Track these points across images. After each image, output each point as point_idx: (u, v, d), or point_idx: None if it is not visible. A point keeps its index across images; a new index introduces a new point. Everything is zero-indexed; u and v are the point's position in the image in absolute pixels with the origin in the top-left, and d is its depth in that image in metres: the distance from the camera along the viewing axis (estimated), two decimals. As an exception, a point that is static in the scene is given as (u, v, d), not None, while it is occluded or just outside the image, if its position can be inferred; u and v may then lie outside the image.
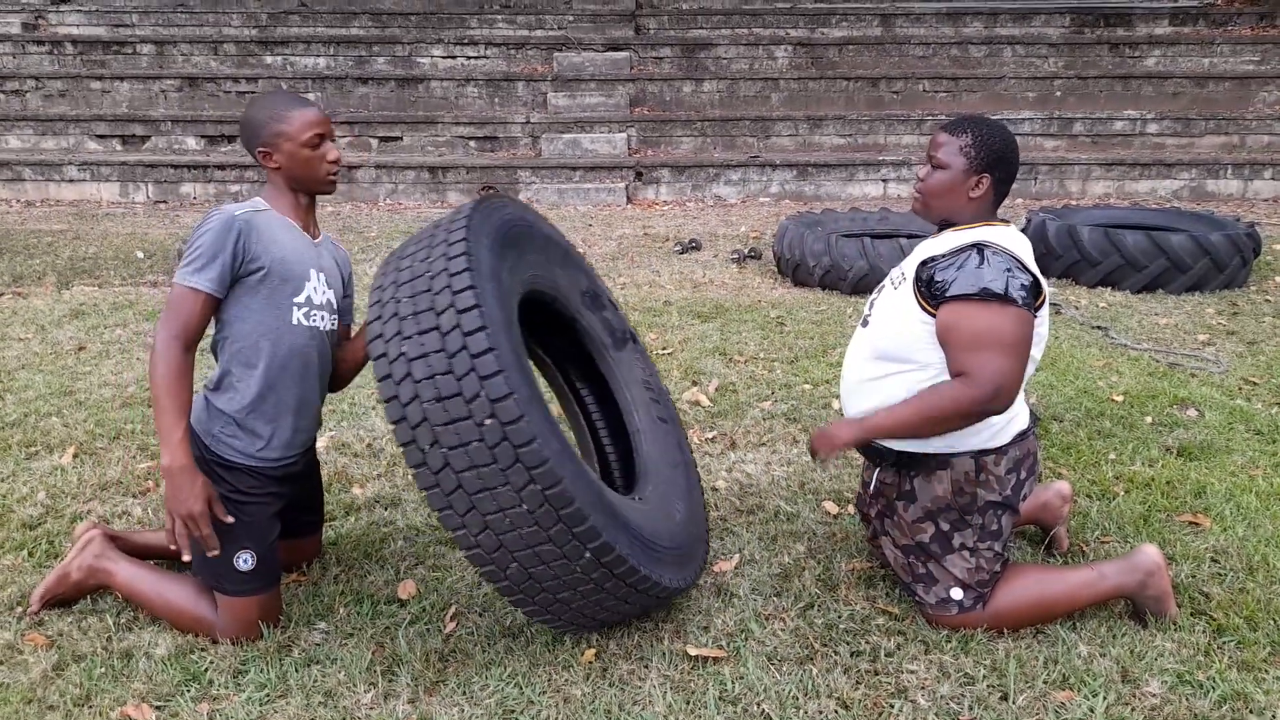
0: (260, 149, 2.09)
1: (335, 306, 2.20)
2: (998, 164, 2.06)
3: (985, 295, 1.91)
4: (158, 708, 1.90)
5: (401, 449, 1.78)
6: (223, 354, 2.09)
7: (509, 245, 2.10)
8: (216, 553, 2.01)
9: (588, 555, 1.83)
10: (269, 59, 10.46)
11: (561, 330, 2.54)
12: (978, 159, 2.04)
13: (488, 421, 1.71)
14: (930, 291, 1.99)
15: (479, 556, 1.82)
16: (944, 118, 9.60)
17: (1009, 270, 1.92)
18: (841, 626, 2.16)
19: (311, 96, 10.04)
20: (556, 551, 1.81)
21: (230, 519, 2.03)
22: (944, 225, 2.12)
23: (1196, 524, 2.63)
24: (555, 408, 3.11)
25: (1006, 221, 2.11)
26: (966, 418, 1.94)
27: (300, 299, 2.09)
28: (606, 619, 2.05)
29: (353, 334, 2.36)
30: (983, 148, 2.04)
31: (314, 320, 2.12)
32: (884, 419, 2.02)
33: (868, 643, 2.10)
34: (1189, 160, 9.02)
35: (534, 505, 1.76)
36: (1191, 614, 2.19)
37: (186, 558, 2.02)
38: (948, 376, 2.00)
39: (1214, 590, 2.28)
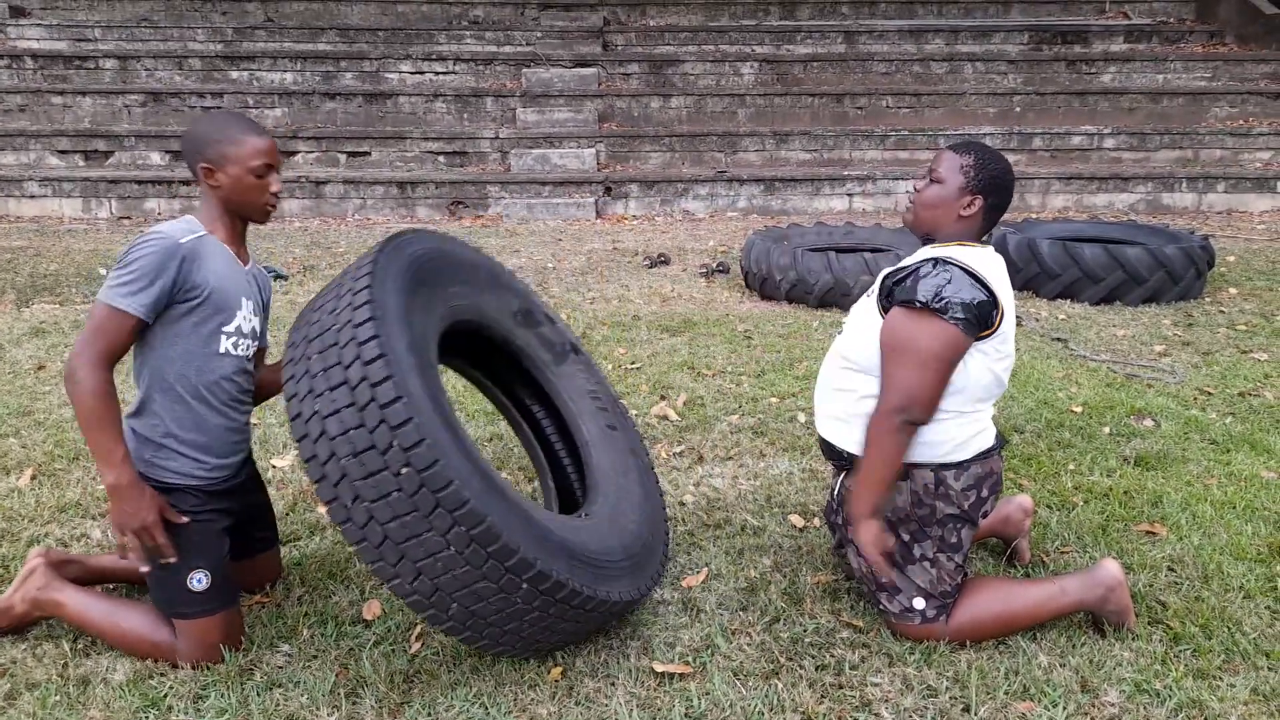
0: (204, 165, 2.03)
1: (259, 332, 2.20)
2: (993, 190, 2.09)
3: (914, 305, 1.97)
4: (115, 735, 1.87)
5: (325, 508, 1.79)
6: (143, 379, 2.05)
7: (421, 282, 2.09)
8: (175, 559, 1.99)
9: (525, 586, 1.83)
10: (235, 74, 10.38)
11: (498, 352, 2.55)
12: (975, 180, 2.08)
13: (403, 470, 1.71)
14: (888, 301, 2.05)
15: (418, 603, 1.82)
16: (906, 132, 9.75)
17: (948, 284, 1.96)
18: (807, 640, 2.18)
19: (279, 112, 9.98)
20: (493, 587, 1.81)
21: (184, 519, 2.02)
22: (926, 240, 2.17)
23: (1153, 533, 2.68)
24: (506, 429, 3.12)
25: (985, 243, 2.15)
26: (897, 433, 1.98)
27: (230, 328, 2.07)
28: (564, 640, 2.05)
29: (268, 360, 2.35)
30: (982, 170, 2.09)
31: (240, 349, 2.11)
32: (859, 483, 2.03)
33: (832, 656, 2.11)
34: (1145, 174, 9.23)
35: (461, 546, 1.75)
36: (1149, 623, 2.23)
37: (144, 569, 2.01)
38: None
39: (1170, 599, 2.32)
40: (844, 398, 2.18)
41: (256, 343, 2.18)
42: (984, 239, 2.17)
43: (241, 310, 2.08)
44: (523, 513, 1.89)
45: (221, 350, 2.06)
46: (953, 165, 2.10)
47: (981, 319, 1.98)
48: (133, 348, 2.02)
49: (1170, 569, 2.48)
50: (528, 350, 2.55)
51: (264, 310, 2.25)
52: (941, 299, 1.94)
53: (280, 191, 2.12)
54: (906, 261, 2.11)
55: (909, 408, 1.96)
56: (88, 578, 2.27)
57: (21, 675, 2.05)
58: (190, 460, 2.06)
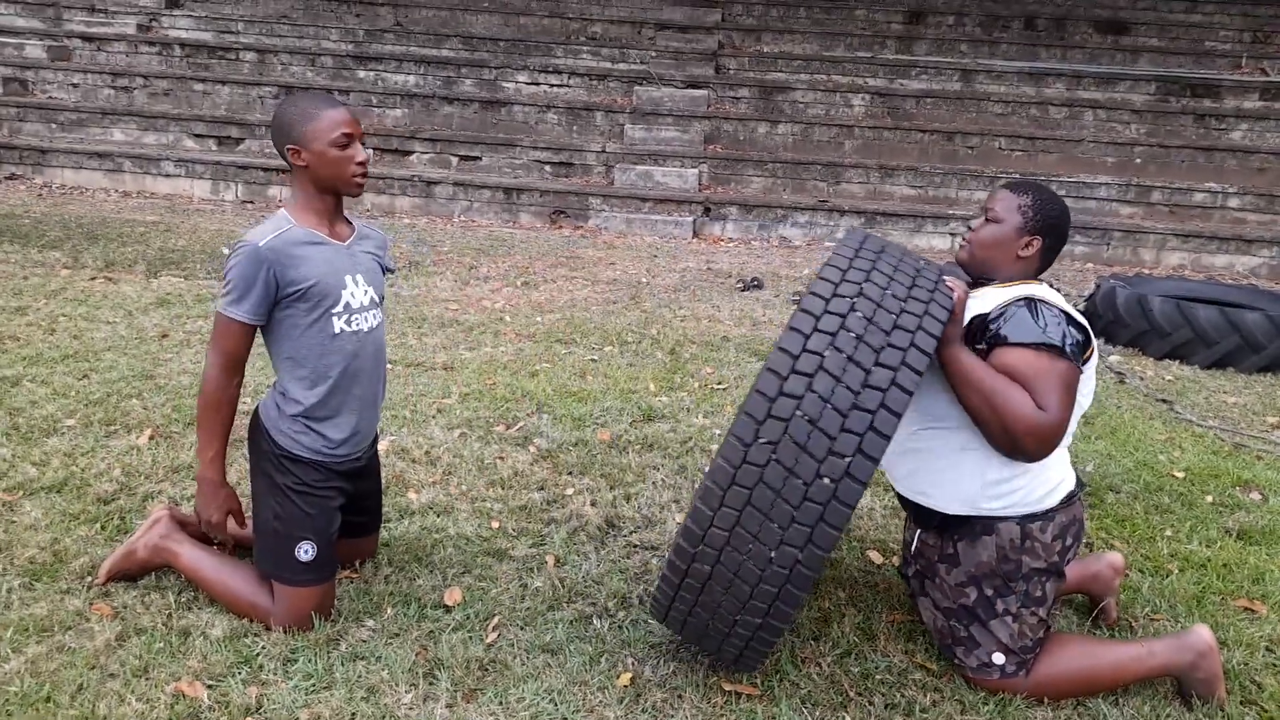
0: (289, 146, 2.09)
1: (379, 300, 2.25)
2: (1051, 230, 2.10)
3: (1044, 346, 1.93)
4: (210, 686, 1.98)
5: (743, 414, 1.69)
6: (278, 367, 2.18)
7: None
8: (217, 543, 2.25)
9: (759, 621, 1.79)
10: (362, 74, 10.85)
11: None
12: (1033, 220, 2.09)
13: (825, 481, 1.63)
14: (984, 340, 2.00)
15: (693, 536, 1.75)
16: (1017, 175, 9.51)
17: (1061, 323, 1.95)
18: (878, 677, 2.16)
19: (399, 113, 10.39)
20: (745, 596, 1.76)
21: (245, 530, 2.23)
22: (980, 281, 2.15)
23: (1252, 610, 2.56)
24: None
25: (1043, 282, 2.14)
26: (1009, 433, 1.89)
27: (338, 309, 2.13)
28: (691, 643, 2.04)
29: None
30: (1040, 211, 2.09)
31: (357, 324, 2.17)
32: (975, 365, 1.92)
33: (903, 696, 2.09)
34: (1270, 237, 8.79)
35: (782, 563, 1.69)
36: (1241, 702, 2.14)
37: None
38: (967, 427, 2.01)
39: (1267, 681, 2.22)
40: (916, 451, 2.13)
41: (377, 309, 2.24)
42: (1040, 278, 2.15)
43: (347, 289, 2.14)
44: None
45: (337, 331, 2.14)
46: (1010, 205, 2.10)
47: (1083, 352, 1.98)
48: (268, 340, 2.17)
49: (1269, 649, 2.37)
50: None
51: (387, 265, 2.33)
52: (1064, 338, 1.93)
53: (367, 161, 2.14)
54: (983, 309, 2.04)
55: (1054, 436, 1.88)
56: (199, 537, 2.41)
57: (131, 620, 2.19)
58: (319, 438, 2.18)
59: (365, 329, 2.20)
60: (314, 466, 2.18)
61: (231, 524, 2.51)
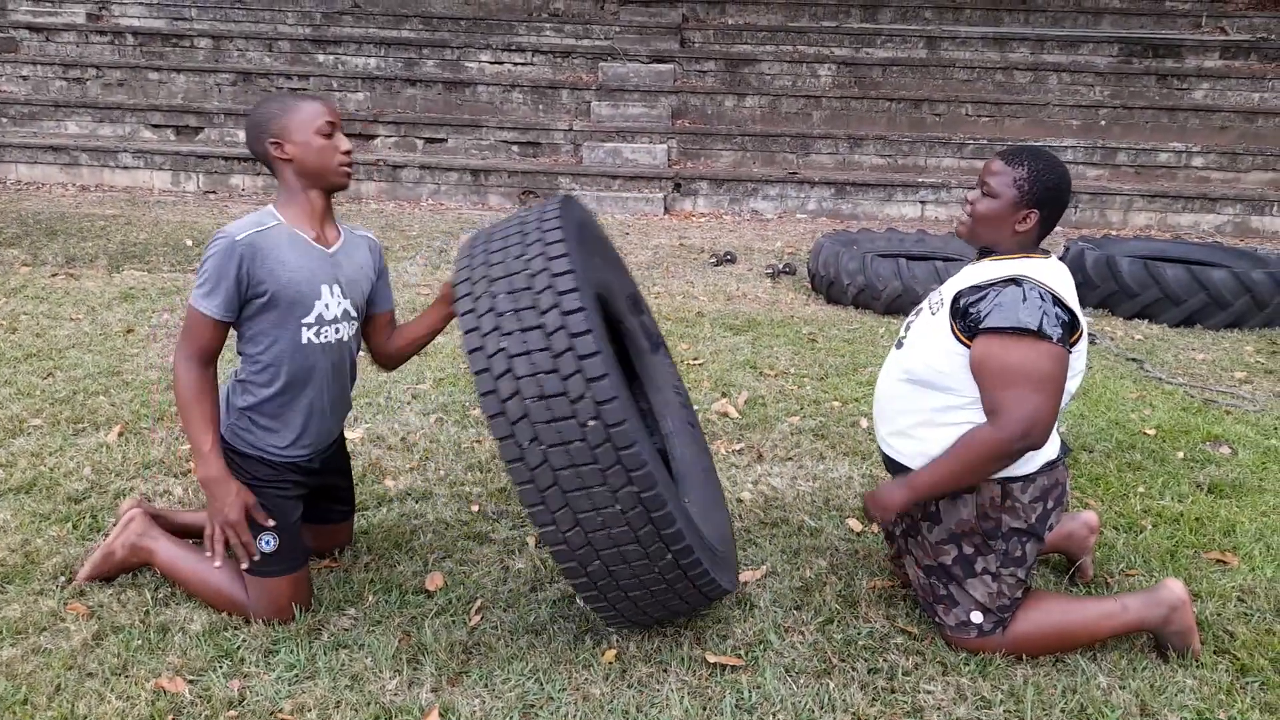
0: (271, 140, 2.05)
1: (355, 314, 2.20)
2: (1049, 201, 2.05)
3: (1019, 331, 1.91)
4: (191, 681, 1.96)
5: (498, 442, 1.78)
6: (241, 359, 2.14)
7: (585, 244, 2.09)
8: (257, 558, 2.09)
9: (669, 557, 1.85)
10: (321, 57, 10.67)
11: (611, 331, 2.51)
12: (1030, 193, 2.03)
13: (591, 422, 1.72)
14: (965, 322, 2.01)
15: (563, 553, 1.84)
16: (985, 141, 9.56)
17: (1044, 306, 1.93)
18: (860, 643, 2.18)
19: (361, 96, 10.23)
20: (641, 551, 1.84)
21: (271, 522, 2.09)
22: (984, 252, 2.14)
23: (1224, 562, 2.61)
24: None
25: (1048, 253, 2.11)
26: (1004, 458, 1.96)
27: (309, 319, 2.08)
28: (662, 617, 2.08)
29: (395, 319, 2.39)
30: (1036, 183, 2.03)
31: (325, 336, 2.12)
32: (928, 475, 2.04)
33: (885, 660, 2.11)
34: (1234, 195, 8.92)
35: (628, 506, 1.77)
36: (1214, 652, 2.18)
37: (217, 564, 2.07)
38: (977, 404, 2.02)
39: (1239, 630, 2.27)
40: (909, 416, 2.14)
41: (353, 323, 2.20)
42: (1043, 249, 2.14)
43: (321, 299, 2.08)
44: (674, 486, 1.91)
45: (304, 341, 2.09)
46: (1006, 179, 2.05)
47: (1070, 335, 1.96)
48: (237, 331, 2.11)
49: (1240, 599, 2.42)
50: (632, 335, 2.55)
51: (378, 277, 2.30)
52: (1042, 321, 1.91)
53: (352, 150, 2.11)
54: (977, 278, 2.05)
55: (1032, 434, 1.93)
56: (172, 530, 2.38)
57: (108, 618, 2.16)
58: (268, 435, 2.14)
59: (333, 340, 2.15)
60: (261, 461, 2.14)
61: (193, 514, 2.48)
